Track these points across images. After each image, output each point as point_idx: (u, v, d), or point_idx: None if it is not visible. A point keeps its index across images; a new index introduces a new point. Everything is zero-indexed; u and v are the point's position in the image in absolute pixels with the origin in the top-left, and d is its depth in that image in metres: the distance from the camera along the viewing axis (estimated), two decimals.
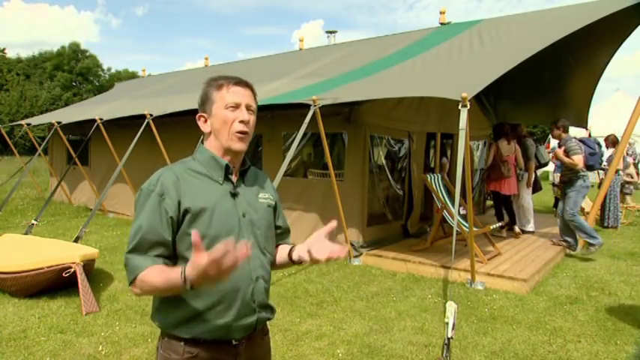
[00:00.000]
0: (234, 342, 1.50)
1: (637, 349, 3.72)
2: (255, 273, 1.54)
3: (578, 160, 6.29)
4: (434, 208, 7.71)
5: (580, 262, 6.26)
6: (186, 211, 1.45)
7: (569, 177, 6.51)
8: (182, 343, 1.46)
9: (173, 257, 1.47)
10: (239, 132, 1.52)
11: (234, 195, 1.55)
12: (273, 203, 1.69)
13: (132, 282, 1.43)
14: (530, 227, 7.69)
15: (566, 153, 6.39)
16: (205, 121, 1.58)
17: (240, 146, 1.54)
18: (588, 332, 4.02)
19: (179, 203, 1.45)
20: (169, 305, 1.47)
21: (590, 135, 9.00)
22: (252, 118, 1.57)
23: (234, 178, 1.58)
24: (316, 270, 5.84)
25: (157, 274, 1.40)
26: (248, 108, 1.55)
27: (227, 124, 1.52)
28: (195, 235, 1.19)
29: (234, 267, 1.22)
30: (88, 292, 4.43)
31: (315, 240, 1.54)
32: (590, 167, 6.56)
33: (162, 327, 1.51)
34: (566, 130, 6.62)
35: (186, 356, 1.46)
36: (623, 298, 4.88)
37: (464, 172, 4.60)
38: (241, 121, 1.52)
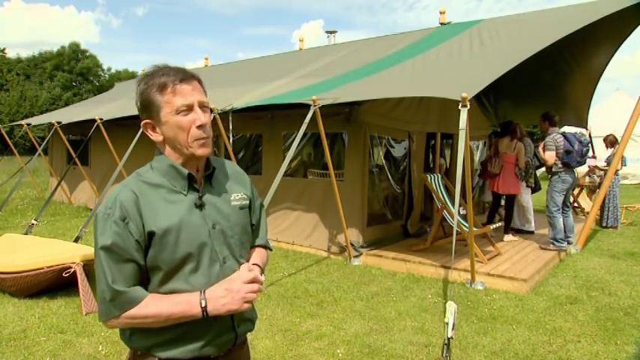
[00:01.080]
0: (212, 356, 1.41)
1: (637, 349, 3.72)
2: None
3: (549, 156, 6.39)
4: (434, 208, 7.71)
5: (580, 262, 6.26)
6: (150, 234, 1.30)
7: (547, 172, 6.72)
8: None
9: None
10: (199, 139, 1.35)
11: (200, 206, 1.38)
12: (248, 201, 1.52)
13: (116, 316, 1.28)
14: (531, 227, 7.69)
15: (543, 148, 6.54)
16: (154, 128, 1.38)
17: (205, 151, 1.37)
18: (588, 332, 4.02)
19: (143, 226, 1.30)
20: (143, 330, 1.35)
21: (590, 135, 9.01)
22: (208, 116, 1.38)
23: (198, 186, 1.41)
24: (316, 270, 5.84)
25: (159, 301, 1.29)
26: (202, 106, 1.36)
27: (183, 131, 1.33)
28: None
29: (254, 297, 1.32)
30: (88, 292, 4.43)
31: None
32: (565, 164, 6.45)
33: (136, 349, 1.39)
34: (552, 124, 6.61)
35: None
36: (623, 298, 4.88)
37: (464, 172, 4.60)
38: (199, 126, 1.34)
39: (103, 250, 1.28)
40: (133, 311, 1.28)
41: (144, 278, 1.34)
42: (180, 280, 1.34)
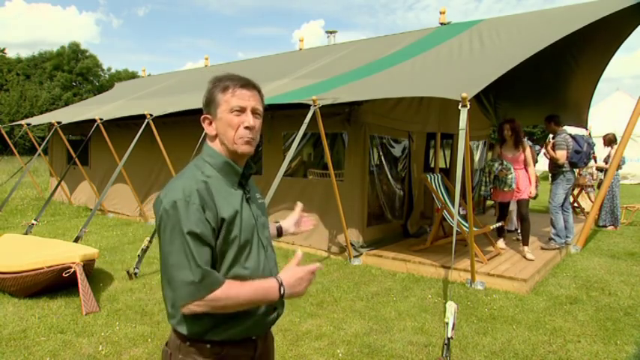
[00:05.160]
0: (253, 337, 1.55)
1: (637, 349, 3.72)
2: (274, 272, 1.59)
3: (561, 155, 6.44)
4: (434, 207, 7.69)
5: (580, 262, 6.26)
6: (222, 220, 1.44)
7: (552, 171, 6.71)
8: (208, 346, 1.46)
9: None
10: (244, 137, 1.50)
11: (248, 200, 1.56)
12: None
13: (201, 297, 1.37)
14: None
15: (553, 147, 6.55)
16: (210, 123, 1.54)
17: (247, 149, 1.51)
18: (588, 332, 4.02)
19: (217, 214, 1.43)
20: (196, 314, 1.43)
21: (590, 135, 9.01)
22: (258, 122, 1.54)
23: (244, 182, 1.58)
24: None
25: (240, 286, 1.42)
26: (254, 112, 1.51)
27: (232, 128, 1.48)
28: (299, 254, 1.53)
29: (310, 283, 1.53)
30: (88, 292, 4.43)
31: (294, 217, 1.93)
32: (573, 164, 6.61)
33: (189, 334, 1.46)
34: (557, 124, 6.70)
35: (212, 357, 1.47)
36: (623, 298, 4.88)
37: (464, 172, 4.60)
38: (247, 127, 1.49)
39: (190, 235, 1.37)
40: (218, 292, 1.38)
41: (215, 264, 1.45)
42: (239, 266, 1.47)
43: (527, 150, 6.24)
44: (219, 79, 1.52)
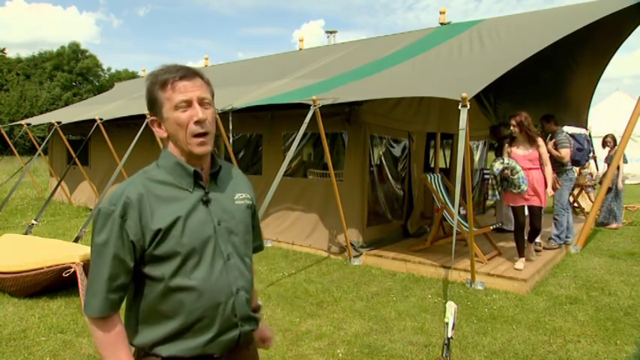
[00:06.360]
0: (215, 356, 1.41)
1: (637, 349, 3.72)
2: (235, 285, 1.41)
3: (565, 153, 6.37)
4: (434, 207, 7.69)
5: (580, 262, 6.26)
6: (154, 232, 1.30)
7: (555, 171, 6.56)
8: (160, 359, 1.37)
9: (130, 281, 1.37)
10: (197, 135, 1.35)
11: (206, 202, 1.40)
12: (251, 202, 1.55)
13: (95, 316, 1.31)
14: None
15: (555, 146, 6.46)
16: (159, 125, 1.40)
17: (203, 150, 1.36)
18: (588, 332, 4.02)
19: (143, 226, 1.30)
20: (146, 325, 1.37)
21: (590, 134, 9.01)
22: (209, 113, 1.37)
23: (204, 183, 1.42)
24: (316, 270, 5.84)
25: (114, 340, 1.32)
26: (201, 102, 1.35)
27: (182, 127, 1.34)
28: None
29: None
30: None
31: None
32: (576, 162, 6.69)
33: (139, 347, 1.39)
34: (556, 123, 6.69)
35: None
36: (623, 298, 4.88)
37: (464, 172, 4.60)
38: (197, 122, 1.34)
39: (100, 246, 1.30)
40: (93, 321, 1.31)
41: (130, 278, 1.35)
42: (184, 277, 1.34)
43: (543, 147, 5.54)
44: (155, 75, 1.37)
